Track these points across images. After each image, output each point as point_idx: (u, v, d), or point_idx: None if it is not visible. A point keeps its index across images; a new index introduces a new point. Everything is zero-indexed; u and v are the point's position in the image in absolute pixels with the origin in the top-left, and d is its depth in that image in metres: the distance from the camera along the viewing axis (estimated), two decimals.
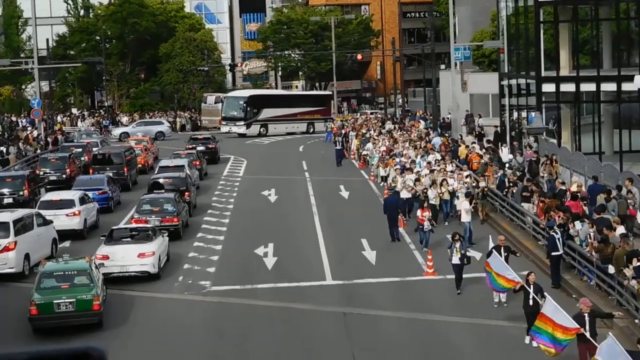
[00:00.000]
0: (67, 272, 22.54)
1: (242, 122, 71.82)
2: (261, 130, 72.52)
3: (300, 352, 20.64)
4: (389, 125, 63.49)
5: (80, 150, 49.82)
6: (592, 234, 24.80)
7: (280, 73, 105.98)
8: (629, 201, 28.55)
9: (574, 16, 44.72)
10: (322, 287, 25.88)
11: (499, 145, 45.77)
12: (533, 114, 42.37)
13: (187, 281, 26.69)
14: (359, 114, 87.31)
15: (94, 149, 49.45)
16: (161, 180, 37.18)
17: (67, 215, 32.31)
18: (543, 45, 44.28)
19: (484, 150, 43.17)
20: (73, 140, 60.37)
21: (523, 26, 47.09)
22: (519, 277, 20.75)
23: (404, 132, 55.96)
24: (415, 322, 22.46)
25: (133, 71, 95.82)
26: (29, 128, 68.13)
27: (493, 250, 23.01)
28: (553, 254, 24.80)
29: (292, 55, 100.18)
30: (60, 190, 37.85)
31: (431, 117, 67.37)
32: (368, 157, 49.21)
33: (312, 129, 74.92)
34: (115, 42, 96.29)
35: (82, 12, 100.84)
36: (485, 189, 34.51)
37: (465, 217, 30.47)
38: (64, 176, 43.22)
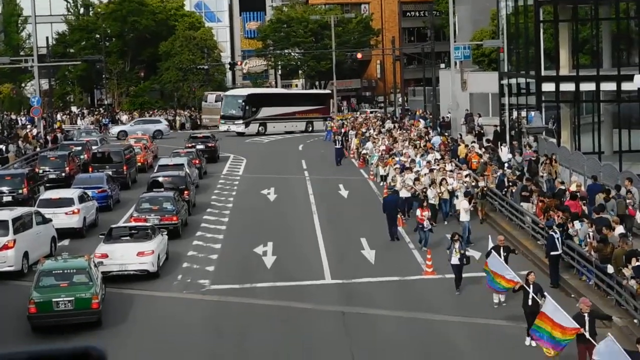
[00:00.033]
0: (66, 271, 22.53)
1: (241, 121, 71.79)
2: (260, 129, 72.48)
3: (299, 351, 20.64)
4: (388, 125, 63.46)
5: (79, 148, 49.82)
6: (591, 233, 24.81)
7: (280, 72, 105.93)
8: (628, 201, 28.55)
9: (573, 15, 44.71)
10: (321, 286, 25.88)
11: (499, 144, 45.76)
12: (533, 113, 42.38)
13: (186, 280, 26.69)
14: (358, 113, 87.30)
15: (94, 148, 49.43)
16: (160, 179, 37.15)
17: (66, 213, 32.30)
18: (543, 44, 44.26)
19: (483, 150, 43.17)
20: (72, 138, 60.35)
21: (523, 25, 47.08)
22: (518, 277, 20.75)
23: (404, 131, 55.95)
24: (415, 322, 22.46)
25: (133, 69, 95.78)
26: (29, 126, 68.07)
27: (492, 250, 22.98)
28: (552, 253, 24.80)
29: (292, 54, 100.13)
30: (60, 188, 37.87)
31: (431, 116, 67.35)
32: (367, 156, 49.20)
33: (310, 128, 74.87)
34: (115, 40, 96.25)
35: (81, 10, 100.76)
36: (485, 189, 34.50)
37: (464, 217, 30.47)
38: (63, 174, 43.25)
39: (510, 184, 33.85)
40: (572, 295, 23.76)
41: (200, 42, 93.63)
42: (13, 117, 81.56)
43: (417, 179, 34.93)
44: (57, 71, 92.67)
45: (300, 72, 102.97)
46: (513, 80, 48.36)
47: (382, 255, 28.97)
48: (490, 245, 24.22)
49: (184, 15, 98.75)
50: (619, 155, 41.06)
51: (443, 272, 25.93)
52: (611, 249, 22.95)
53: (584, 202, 29.17)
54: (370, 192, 41.68)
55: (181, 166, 40.91)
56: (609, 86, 41.99)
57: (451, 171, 36.75)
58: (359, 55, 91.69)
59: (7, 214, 28.14)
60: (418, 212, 30.20)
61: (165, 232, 29.25)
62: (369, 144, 50.06)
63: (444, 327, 22.06)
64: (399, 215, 32.54)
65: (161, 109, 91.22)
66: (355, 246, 30.33)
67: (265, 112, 73.12)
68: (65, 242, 31.61)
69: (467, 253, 25.53)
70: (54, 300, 21.63)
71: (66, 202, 32.78)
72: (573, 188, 30.85)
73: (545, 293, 20.30)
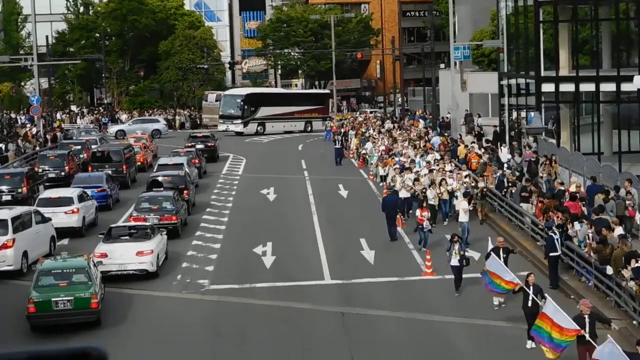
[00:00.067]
0: (65, 270, 22.52)
1: (240, 121, 71.74)
2: (258, 128, 72.42)
3: (298, 352, 20.63)
4: (388, 125, 63.45)
5: (79, 147, 49.77)
6: (590, 234, 24.80)
7: (279, 71, 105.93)
8: (627, 202, 28.54)
9: (573, 16, 44.71)
10: (320, 286, 25.87)
11: (498, 145, 45.76)
12: (532, 113, 42.36)
13: (186, 280, 26.68)
14: (358, 113, 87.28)
15: (93, 147, 49.40)
16: (160, 178, 37.11)
17: (65, 212, 32.29)
18: (542, 45, 44.27)
19: (482, 150, 43.15)
20: (72, 137, 60.30)
21: (523, 26, 47.08)
22: (518, 278, 20.74)
23: (404, 132, 55.94)
24: (414, 322, 22.45)
25: (132, 68, 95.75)
26: (28, 125, 68.07)
27: (491, 252, 22.93)
28: (551, 254, 24.79)
29: (292, 53, 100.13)
30: (59, 187, 37.86)
31: (430, 117, 67.35)
32: (367, 156, 49.20)
33: (309, 128, 74.83)
34: (115, 39, 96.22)
35: (81, 9, 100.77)
36: (484, 189, 34.48)
37: (463, 217, 30.43)
38: (62, 174, 43.22)
39: (510, 184, 33.85)
40: (572, 297, 23.76)
41: (200, 41, 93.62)
42: (12, 115, 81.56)
43: (416, 180, 34.91)
44: (57, 70, 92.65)
45: (300, 71, 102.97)
46: (513, 81, 48.36)
47: (382, 256, 28.96)
48: (490, 246, 24.17)
49: (183, 14, 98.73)
50: (618, 156, 41.06)
51: (442, 273, 25.92)
52: (610, 250, 22.95)
53: (584, 203, 29.16)
54: (369, 193, 41.67)
55: (181, 166, 40.89)
56: (608, 87, 41.99)
57: (451, 171, 36.73)
58: (359, 55, 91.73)
59: (6, 213, 28.11)
60: (418, 212, 30.19)
61: (165, 232, 29.24)
62: (369, 144, 50.05)
63: (444, 327, 22.05)
64: (398, 216, 32.53)
65: (161, 108, 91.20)
66: (354, 246, 30.32)
67: (264, 111, 73.07)
68: (65, 241, 31.60)
69: (466, 254, 25.50)
70: (53, 299, 21.62)
71: (65, 202, 32.76)
72: (572, 189, 30.84)
73: (546, 294, 20.29)
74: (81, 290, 21.88)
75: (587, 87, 42.72)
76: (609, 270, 22.35)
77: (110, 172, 41.42)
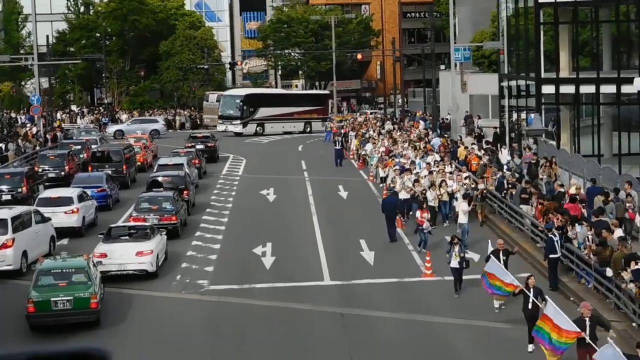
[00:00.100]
0: (64, 270, 22.53)
1: (239, 121, 71.69)
2: (257, 129, 72.37)
3: (298, 352, 20.63)
4: (388, 126, 63.43)
5: (79, 147, 49.76)
6: (590, 236, 24.81)
7: (280, 72, 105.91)
8: (628, 204, 28.53)
9: (574, 18, 44.69)
10: (320, 287, 25.87)
11: (499, 146, 45.75)
12: (532, 115, 42.34)
13: (185, 280, 26.68)
14: (358, 114, 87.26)
15: (93, 147, 49.38)
16: (160, 179, 37.11)
17: (65, 212, 32.28)
18: (543, 46, 44.26)
19: (482, 152, 43.14)
20: (72, 137, 60.29)
21: (523, 27, 47.08)
22: (518, 281, 20.72)
23: (404, 133, 55.93)
24: (414, 324, 22.45)
25: (133, 68, 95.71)
26: (28, 125, 68.06)
27: (491, 255, 22.87)
28: (551, 256, 24.79)
29: (292, 54, 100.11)
30: (59, 187, 37.85)
31: (431, 118, 67.34)
32: (367, 157, 49.18)
33: (309, 129, 74.79)
34: (115, 39, 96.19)
35: (82, 9, 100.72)
36: (484, 191, 34.46)
37: (463, 219, 30.40)
38: (62, 173, 43.22)
39: (510, 186, 33.85)
40: (571, 298, 23.77)
41: (201, 41, 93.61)
42: (13, 115, 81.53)
43: (416, 181, 34.90)
44: (57, 70, 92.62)
45: (300, 72, 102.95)
46: (513, 82, 48.36)
47: (381, 257, 28.96)
48: (490, 249, 24.12)
49: (184, 14, 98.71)
50: (618, 158, 41.05)
51: (442, 274, 25.91)
52: (610, 252, 22.96)
53: (584, 205, 29.17)
54: (369, 194, 41.66)
55: (181, 166, 40.88)
56: (608, 89, 41.98)
57: (451, 173, 36.72)
58: (359, 56, 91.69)
59: (6, 213, 28.10)
60: (418, 213, 30.19)
61: (164, 232, 29.24)
62: (369, 145, 50.03)
63: (444, 329, 22.05)
64: (398, 217, 32.54)
65: (161, 108, 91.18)
66: (354, 247, 30.32)
67: (263, 112, 73.02)
68: (64, 241, 31.61)
69: (466, 256, 25.48)
70: (52, 299, 21.62)
71: (65, 201, 32.76)
72: (572, 191, 30.84)
73: (547, 296, 20.28)
74: (80, 290, 21.88)
75: (588, 89, 42.71)
76: (609, 272, 22.36)
77: (110, 172, 41.41)
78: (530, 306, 19.94)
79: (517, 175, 36.21)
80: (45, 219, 29.71)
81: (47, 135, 60.62)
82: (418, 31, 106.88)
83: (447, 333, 21.73)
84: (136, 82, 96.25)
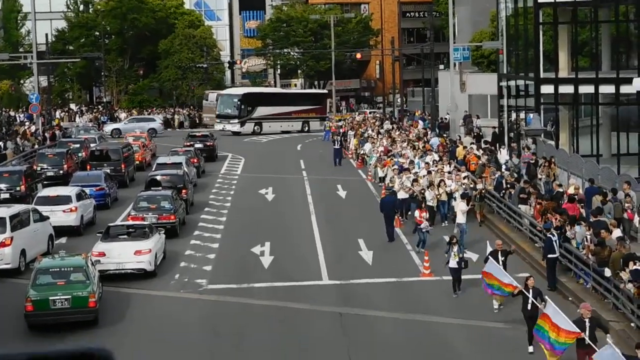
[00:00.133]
0: (63, 269, 22.51)
1: (236, 120, 71.60)
2: (255, 128, 72.30)
3: (296, 352, 20.63)
4: (387, 125, 63.43)
5: (77, 146, 49.73)
6: (588, 236, 24.82)
7: (279, 71, 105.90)
8: (626, 205, 28.53)
9: (573, 18, 44.71)
10: (318, 286, 25.86)
11: (497, 146, 45.73)
12: (531, 115, 42.36)
13: (184, 279, 26.67)
14: (357, 113, 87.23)
15: (92, 145, 49.34)
16: (158, 178, 37.09)
17: (63, 211, 32.25)
18: (542, 46, 44.28)
19: (481, 151, 43.13)
20: (71, 136, 60.27)
21: (522, 27, 47.08)
22: (516, 282, 20.70)
23: (402, 132, 55.91)
24: (412, 323, 22.45)
25: (132, 67, 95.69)
26: (27, 123, 68.02)
27: (489, 257, 22.83)
28: (549, 256, 24.79)
29: (292, 53, 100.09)
30: (58, 186, 37.81)
31: (429, 118, 67.34)
32: (366, 157, 49.17)
33: (307, 128, 74.73)
34: (115, 37, 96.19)
35: (81, 7, 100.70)
36: (483, 191, 34.45)
37: (461, 219, 30.38)
38: (61, 172, 43.18)
39: (509, 186, 33.85)
40: (570, 299, 23.78)
41: (200, 40, 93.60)
42: (11, 113, 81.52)
43: (415, 180, 34.88)
44: (56, 68, 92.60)
45: (299, 71, 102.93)
46: (512, 82, 48.36)
47: (380, 256, 28.96)
48: (489, 249, 24.09)
49: (183, 13, 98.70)
50: (617, 158, 41.07)
51: (440, 274, 25.90)
52: (609, 252, 22.96)
53: (582, 205, 29.17)
54: (368, 193, 41.66)
55: (179, 165, 40.87)
56: (607, 89, 41.99)
57: (449, 173, 36.70)
58: (358, 56, 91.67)
59: (4, 211, 28.06)
60: (416, 213, 30.17)
61: (163, 231, 29.23)
62: (368, 145, 50.01)
63: (442, 329, 22.05)
64: (396, 216, 32.54)
65: (160, 107, 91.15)
66: (352, 247, 30.32)
67: (261, 111, 72.95)
68: (63, 240, 31.57)
69: (464, 256, 25.48)
70: (50, 298, 21.61)
71: (64, 200, 32.73)
72: (571, 191, 30.85)
73: (546, 297, 20.27)
74: (79, 289, 21.86)
75: (587, 89, 42.72)
76: (607, 272, 22.36)
77: (108, 170, 41.39)
78: (529, 307, 19.93)
79: (515, 175, 36.21)
80: (43, 218, 29.68)
81: (46, 134, 60.57)
82: (417, 31, 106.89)
83: (446, 333, 21.72)
84: (135, 81, 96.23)
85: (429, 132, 56.47)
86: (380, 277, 26.44)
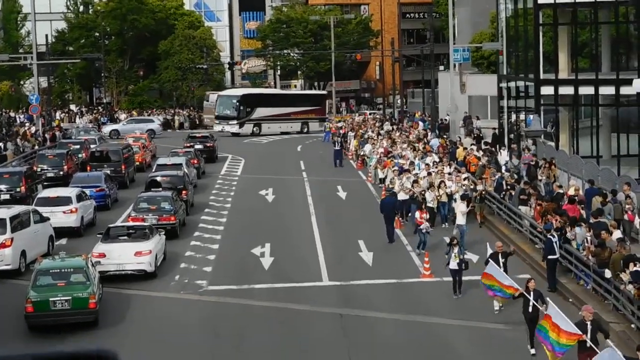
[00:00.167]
0: (63, 270, 22.51)
1: (235, 121, 71.56)
2: (254, 129, 72.26)
3: (296, 353, 20.63)
4: (387, 126, 63.41)
5: (78, 147, 49.73)
6: (588, 237, 24.81)
7: (279, 72, 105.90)
8: (627, 206, 28.52)
9: (573, 19, 44.72)
10: (318, 287, 25.86)
11: (498, 147, 45.73)
12: (531, 116, 42.37)
13: (184, 280, 26.67)
14: (356, 114, 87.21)
15: (92, 146, 49.35)
16: (159, 179, 37.09)
17: (64, 212, 32.26)
18: (542, 47, 44.27)
19: (481, 153, 43.12)
20: (71, 137, 60.27)
21: (522, 28, 47.09)
22: (517, 284, 20.68)
23: (402, 133, 55.89)
24: (412, 324, 22.45)
25: (132, 68, 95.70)
26: (27, 124, 68.00)
27: (489, 260, 22.80)
28: (549, 257, 24.79)
29: (291, 54, 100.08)
30: (58, 187, 37.82)
31: (429, 119, 67.33)
32: (366, 158, 49.16)
33: (306, 129, 74.72)
34: (115, 38, 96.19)
35: (81, 8, 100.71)
36: (483, 192, 34.44)
37: (461, 220, 30.36)
38: (61, 173, 43.19)
39: (509, 187, 33.85)
40: (570, 300, 23.78)
41: (200, 41, 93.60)
42: (11, 114, 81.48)
43: (415, 182, 34.87)
44: (56, 69, 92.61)
45: (299, 72, 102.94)
46: (512, 83, 48.36)
47: (380, 258, 28.95)
48: (490, 251, 24.07)
49: (183, 14, 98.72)
50: (617, 160, 41.07)
51: (441, 275, 25.90)
52: (609, 254, 22.96)
53: (582, 206, 29.17)
54: (368, 194, 41.65)
55: (179, 166, 40.86)
56: (607, 90, 41.99)
57: (450, 174, 36.70)
58: (358, 57, 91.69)
59: (4, 212, 28.07)
60: (417, 214, 30.16)
61: (163, 232, 29.23)
62: (368, 146, 49.99)
63: (443, 330, 22.05)
64: (396, 217, 32.53)
65: (160, 108, 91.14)
66: (353, 248, 30.31)
67: (259, 112, 72.92)
68: (63, 241, 31.57)
69: (465, 257, 25.48)
70: (51, 299, 21.61)
71: (64, 201, 32.73)
72: (571, 192, 30.85)
73: (547, 299, 20.26)
74: (79, 290, 21.87)
75: (587, 90, 42.72)
76: (607, 273, 22.36)
77: (109, 171, 41.39)
78: (530, 309, 19.93)
79: (515, 176, 36.21)
80: (43, 219, 29.69)
81: (46, 135, 60.55)
82: (417, 32, 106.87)
83: (447, 334, 21.72)
84: (135, 82, 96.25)
85: (429, 133, 56.46)
86: (380, 278, 26.44)
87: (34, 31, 65.82)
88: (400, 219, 33.33)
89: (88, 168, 43.42)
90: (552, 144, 42.43)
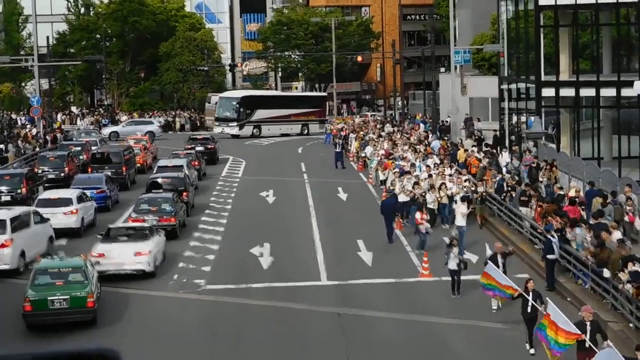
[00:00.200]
0: (61, 269, 22.54)
1: (235, 123, 71.55)
2: (254, 131, 72.23)
3: (295, 352, 20.62)
4: (388, 128, 63.41)
5: (79, 148, 49.74)
6: (588, 238, 24.79)
7: (280, 74, 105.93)
8: (628, 208, 28.50)
9: (574, 21, 44.72)
10: (317, 287, 25.86)
11: (499, 149, 45.72)
12: (532, 118, 42.38)
13: (182, 279, 26.68)
14: (357, 116, 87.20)
15: (93, 148, 49.37)
16: (159, 180, 37.13)
17: (64, 213, 32.30)
18: (543, 49, 44.28)
19: (482, 154, 43.12)
20: (72, 138, 60.27)
21: (523, 30, 47.10)
22: (516, 285, 20.68)
23: (403, 135, 55.89)
24: (411, 324, 22.44)
25: (133, 70, 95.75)
26: (28, 126, 68.01)
27: (488, 261, 22.78)
28: (548, 256, 24.79)
29: (292, 56, 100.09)
30: (59, 188, 37.84)
31: (430, 120, 67.35)
32: (367, 160, 49.15)
33: (306, 131, 74.68)
34: (116, 40, 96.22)
35: (82, 10, 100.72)
36: (484, 194, 34.42)
37: (461, 221, 30.32)
38: (62, 174, 43.20)
39: (509, 188, 33.83)
40: (568, 299, 23.78)
41: (201, 43, 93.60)
42: (13, 116, 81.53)
43: (416, 183, 34.85)
44: (57, 71, 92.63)
45: (300, 74, 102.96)
46: (513, 85, 48.37)
47: (379, 257, 28.95)
48: (489, 252, 24.05)
49: (184, 16, 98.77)
50: (618, 162, 41.06)
51: (439, 275, 25.90)
52: (608, 254, 22.94)
53: (583, 207, 29.15)
54: (369, 196, 41.63)
55: (180, 167, 40.87)
56: (608, 92, 42.00)
57: (450, 175, 36.68)
58: (359, 58, 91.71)
59: (5, 213, 28.15)
60: (417, 215, 30.14)
61: (163, 233, 29.23)
62: (369, 148, 49.97)
63: (441, 329, 22.04)
64: (397, 218, 32.52)
65: (161, 110, 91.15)
66: (352, 248, 30.31)
67: (259, 114, 72.89)
68: (63, 241, 31.60)
69: (464, 258, 25.46)
70: (49, 298, 21.63)
71: (65, 202, 32.77)
72: (572, 193, 30.84)
73: (547, 298, 20.25)
74: (77, 289, 21.88)
75: (588, 92, 42.73)
76: (606, 273, 22.34)
77: (109, 173, 41.40)
78: (529, 309, 19.92)
79: (516, 177, 36.20)
80: (44, 220, 29.73)
81: (47, 137, 60.58)
82: (418, 34, 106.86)
83: (445, 333, 21.71)
84: (136, 84, 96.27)
85: (430, 135, 56.47)
86: (379, 278, 26.44)
87: (35, 33, 65.89)
88: (400, 220, 33.31)
89: (89, 170, 43.45)
90: (553, 145, 42.41)
